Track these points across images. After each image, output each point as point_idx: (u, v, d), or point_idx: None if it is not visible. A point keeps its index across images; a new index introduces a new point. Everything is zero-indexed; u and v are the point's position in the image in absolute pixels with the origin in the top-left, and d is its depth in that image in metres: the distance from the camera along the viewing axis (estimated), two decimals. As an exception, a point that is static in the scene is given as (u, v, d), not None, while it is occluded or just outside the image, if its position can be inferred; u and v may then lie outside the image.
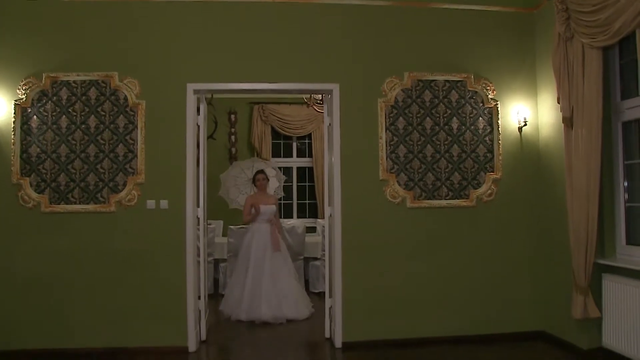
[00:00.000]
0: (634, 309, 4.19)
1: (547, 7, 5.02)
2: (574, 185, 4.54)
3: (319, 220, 8.66)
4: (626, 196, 4.58)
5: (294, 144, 9.59)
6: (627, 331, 4.27)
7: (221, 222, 8.43)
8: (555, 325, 5.08)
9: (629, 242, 4.54)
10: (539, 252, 5.27)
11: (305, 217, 9.40)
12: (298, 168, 9.61)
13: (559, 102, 4.72)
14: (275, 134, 9.39)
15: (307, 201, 9.60)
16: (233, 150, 9.09)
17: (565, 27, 4.57)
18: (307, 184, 9.55)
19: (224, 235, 8.26)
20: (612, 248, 4.62)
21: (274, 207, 6.58)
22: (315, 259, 7.59)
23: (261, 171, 6.78)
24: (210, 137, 8.47)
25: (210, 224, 7.27)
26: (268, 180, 6.80)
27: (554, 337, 5.08)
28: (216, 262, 7.78)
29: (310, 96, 7.43)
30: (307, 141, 9.56)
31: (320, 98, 7.24)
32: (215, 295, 7.33)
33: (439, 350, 4.90)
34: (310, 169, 9.52)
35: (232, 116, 9.22)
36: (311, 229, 8.82)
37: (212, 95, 8.43)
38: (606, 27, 4.13)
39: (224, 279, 7.45)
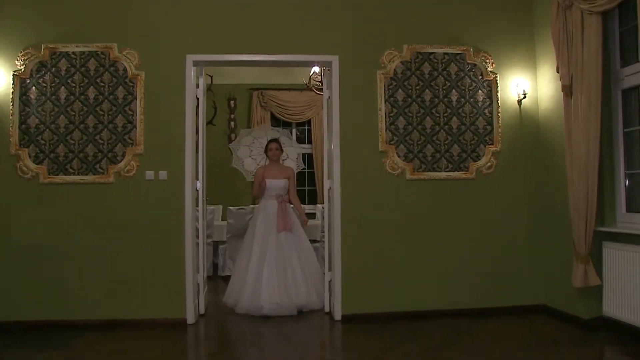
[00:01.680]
0: (634, 275, 4.17)
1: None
2: (574, 153, 4.53)
3: (318, 205, 8.64)
4: (626, 164, 4.56)
5: (294, 130, 9.57)
6: (628, 298, 4.26)
7: (220, 206, 8.41)
8: (556, 297, 5.07)
9: (629, 209, 4.53)
10: (539, 224, 5.26)
11: (305, 204, 9.34)
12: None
13: (558, 72, 4.72)
14: (275, 120, 9.37)
15: (306, 188, 9.58)
16: (232, 136, 9.06)
17: (564, -5, 4.57)
18: (306, 170, 9.53)
19: (223, 219, 8.23)
20: (612, 216, 4.61)
21: (283, 182, 5.76)
22: (315, 241, 7.56)
23: (275, 140, 5.97)
24: (209, 123, 8.49)
25: (209, 207, 7.24)
26: (282, 150, 6.01)
27: (555, 309, 5.06)
28: (215, 246, 7.76)
29: (310, 78, 7.43)
30: (306, 127, 9.55)
31: (320, 80, 7.24)
32: (214, 278, 7.32)
33: (438, 323, 4.87)
34: (310, 155, 9.51)
35: (232, 102, 9.22)
36: (311, 215, 8.79)
37: (211, 81, 8.45)
38: (606, -10, 4.14)
39: (224, 261, 7.43)
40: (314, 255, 5.82)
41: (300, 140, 9.56)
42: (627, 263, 4.27)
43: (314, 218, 8.75)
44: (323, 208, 6.34)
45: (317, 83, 7.29)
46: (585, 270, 4.51)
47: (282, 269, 5.41)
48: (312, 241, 7.52)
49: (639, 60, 4.35)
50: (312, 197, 9.56)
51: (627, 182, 4.56)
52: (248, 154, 6.81)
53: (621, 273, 4.33)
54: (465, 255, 5.20)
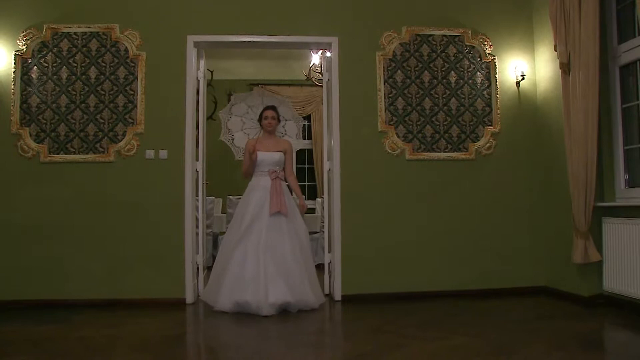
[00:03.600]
0: (635, 248, 4.17)
1: (543, -38, 5.10)
2: (572, 129, 4.55)
3: (318, 199, 8.64)
4: (624, 140, 4.58)
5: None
6: (629, 272, 4.25)
7: (220, 199, 8.41)
8: (556, 277, 5.06)
9: (629, 185, 4.54)
10: (539, 205, 5.27)
11: (305, 200, 9.36)
12: (297, 150, 9.59)
13: (555, 50, 4.76)
14: (275, 116, 9.37)
15: (306, 183, 9.60)
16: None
17: (561, -27, 4.62)
18: (306, 166, 9.55)
19: (223, 212, 8.23)
20: (611, 192, 4.62)
21: (278, 156, 4.87)
22: (314, 233, 7.56)
23: (271, 107, 5.01)
24: (209, 118, 8.50)
25: (209, 198, 7.21)
26: (279, 121, 5.05)
27: (555, 290, 5.05)
28: (215, 237, 7.75)
29: (310, 70, 7.47)
30: (306, 123, 9.58)
31: (320, 71, 7.28)
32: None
33: (437, 302, 4.86)
34: (310, 151, 9.54)
35: (232, 97, 9.22)
36: (310, 211, 8.79)
37: (212, 77, 8.49)
38: (601, -35, 4.19)
39: (223, 252, 7.38)
40: (309, 247, 4.95)
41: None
42: (627, 236, 4.27)
43: (314, 213, 8.75)
44: (323, 200, 6.34)
45: (317, 74, 7.32)
46: (586, 246, 4.51)
47: (274, 258, 4.52)
48: (311, 233, 7.55)
49: (635, 35, 4.38)
50: (313, 192, 9.56)
51: (625, 158, 4.57)
52: (240, 127, 5.34)
53: (621, 247, 4.34)
54: (465, 236, 5.20)
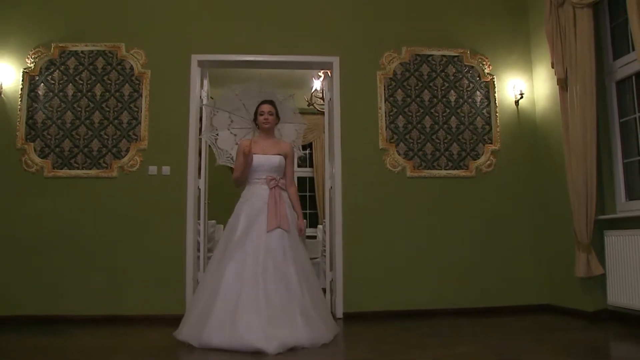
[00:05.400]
0: (638, 260, 4.15)
1: (539, -15, 5.27)
2: (571, 143, 4.60)
3: (319, 226, 8.63)
4: (623, 153, 4.62)
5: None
6: (633, 284, 4.21)
7: (221, 226, 8.39)
8: (559, 294, 5.02)
9: (629, 198, 4.56)
10: (540, 222, 5.27)
11: (306, 227, 9.35)
12: (299, 178, 9.64)
13: (553, 67, 4.86)
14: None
15: (307, 211, 9.59)
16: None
17: (556, -7, 4.77)
18: (307, 193, 9.57)
19: (224, 238, 8.19)
20: (612, 205, 4.63)
21: (277, 160, 3.98)
22: (314, 258, 7.52)
23: (268, 101, 4.08)
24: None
25: (210, 222, 7.20)
26: (278, 117, 4.12)
27: (559, 307, 5.00)
28: (216, 262, 7.67)
29: (311, 95, 7.58)
30: (308, 151, 9.65)
31: (321, 96, 7.39)
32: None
33: (440, 321, 4.79)
34: (311, 179, 9.58)
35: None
36: (311, 237, 8.77)
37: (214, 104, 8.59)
38: (595, -18, 4.33)
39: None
40: (311, 269, 4.00)
41: (301, 164, 9.65)
42: (629, 249, 4.25)
43: (315, 239, 8.73)
44: (324, 226, 6.34)
45: (319, 99, 7.43)
46: (588, 259, 4.50)
47: (276, 286, 3.58)
48: (311, 258, 7.49)
49: (630, 51, 4.48)
50: (314, 220, 9.55)
51: (625, 171, 4.60)
52: (227, 125, 4.29)
53: (624, 260, 4.31)
54: (466, 253, 5.18)
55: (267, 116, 4.01)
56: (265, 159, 3.95)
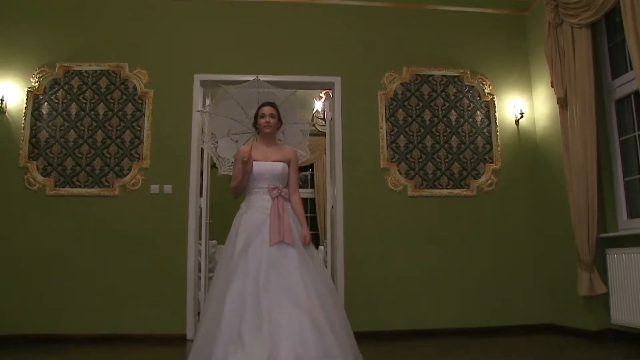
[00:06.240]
0: (640, 278, 4.14)
1: (536, 9, 5.34)
2: (572, 160, 4.62)
3: (320, 247, 8.60)
4: (624, 171, 4.63)
5: (296, 175, 9.62)
6: (636, 302, 4.18)
7: (222, 246, 8.37)
8: (562, 313, 4.98)
9: (630, 216, 4.55)
10: (541, 240, 5.25)
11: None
12: (300, 199, 9.63)
13: (552, 86, 4.90)
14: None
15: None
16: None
17: (554, 14, 4.83)
18: (308, 215, 9.56)
19: (224, 259, 8.15)
20: (614, 223, 4.62)
21: (281, 167, 3.59)
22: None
23: (270, 103, 3.72)
24: (213, 166, 8.59)
25: (212, 242, 7.18)
26: (280, 121, 3.73)
27: (563, 326, 4.95)
28: (216, 283, 7.62)
29: (313, 116, 7.63)
30: (309, 172, 9.67)
31: (322, 117, 7.45)
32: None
33: (442, 342, 4.74)
34: (312, 200, 9.57)
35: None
36: (313, 259, 8.73)
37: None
38: (592, 2, 4.40)
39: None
40: (331, 284, 3.64)
41: (302, 185, 9.65)
42: (632, 267, 4.23)
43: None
44: (325, 246, 6.32)
45: (320, 120, 7.48)
46: (591, 278, 4.47)
47: (278, 301, 3.16)
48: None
49: (628, 70, 4.52)
50: (315, 241, 9.51)
51: (626, 189, 4.61)
52: (226, 131, 3.94)
53: (627, 278, 4.29)
54: (468, 272, 5.16)
55: (269, 119, 3.62)
56: (268, 166, 3.56)
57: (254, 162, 3.51)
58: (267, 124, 3.61)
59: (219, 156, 4.01)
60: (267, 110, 3.64)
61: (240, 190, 3.60)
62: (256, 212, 3.44)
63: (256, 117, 3.70)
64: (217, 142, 3.99)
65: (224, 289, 3.22)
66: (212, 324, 3.15)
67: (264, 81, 3.84)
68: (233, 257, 3.31)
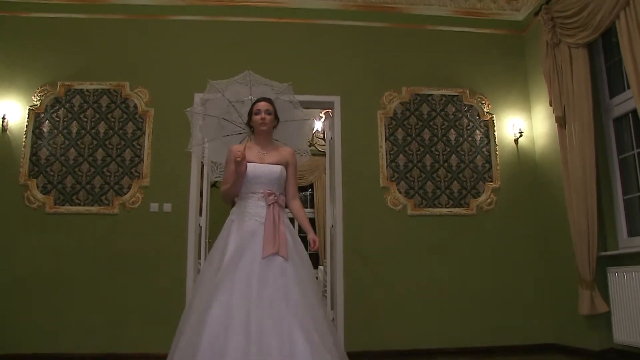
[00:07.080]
0: (642, 296, 4.11)
1: (534, 29, 5.40)
2: (571, 178, 4.63)
3: (320, 267, 8.56)
4: (623, 190, 4.64)
5: (296, 195, 9.61)
6: (638, 321, 4.15)
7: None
8: (564, 333, 4.94)
9: (630, 234, 4.54)
10: (542, 259, 5.23)
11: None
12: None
13: (551, 105, 4.93)
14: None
15: (308, 252, 9.51)
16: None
17: (552, 34, 4.89)
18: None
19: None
20: (614, 241, 4.61)
21: (278, 170, 3.24)
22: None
23: (265, 99, 3.36)
24: (213, 185, 8.60)
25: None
26: (276, 118, 3.36)
27: (565, 346, 4.91)
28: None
29: (312, 135, 7.67)
30: (309, 192, 9.67)
31: (322, 137, 7.48)
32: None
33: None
34: (312, 220, 9.56)
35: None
36: (312, 279, 8.68)
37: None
38: (588, 23, 4.45)
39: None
40: (323, 304, 3.35)
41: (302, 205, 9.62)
42: (633, 285, 4.21)
43: (316, 279, 8.64)
44: (325, 266, 6.29)
45: (319, 139, 7.51)
46: (592, 296, 4.45)
47: (269, 318, 2.81)
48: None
49: (625, 89, 4.55)
50: (314, 261, 9.48)
51: (625, 207, 4.60)
52: (216, 132, 3.56)
53: (629, 297, 4.26)
54: (469, 292, 5.12)
55: (264, 115, 3.25)
56: (264, 169, 3.19)
57: (249, 164, 3.15)
58: (263, 121, 3.25)
59: (209, 161, 3.73)
60: (262, 106, 3.28)
61: (232, 195, 3.22)
62: (249, 218, 3.09)
63: (250, 114, 3.33)
64: (204, 143, 3.68)
65: (208, 301, 2.85)
66: (195, 336, 2.82)
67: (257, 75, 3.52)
68: (223, 269, 2.94)
